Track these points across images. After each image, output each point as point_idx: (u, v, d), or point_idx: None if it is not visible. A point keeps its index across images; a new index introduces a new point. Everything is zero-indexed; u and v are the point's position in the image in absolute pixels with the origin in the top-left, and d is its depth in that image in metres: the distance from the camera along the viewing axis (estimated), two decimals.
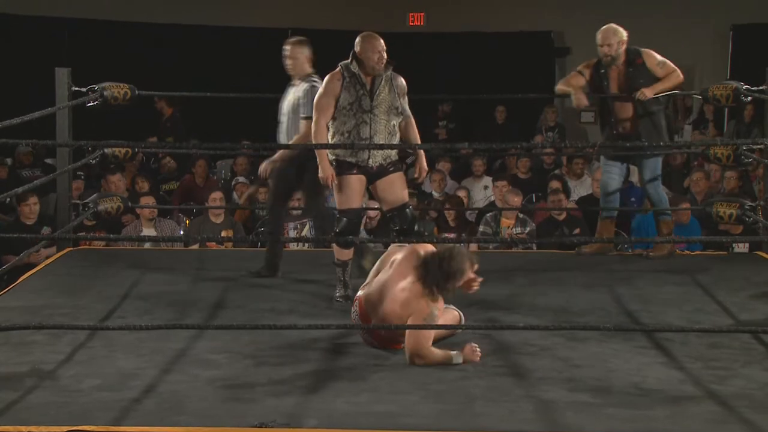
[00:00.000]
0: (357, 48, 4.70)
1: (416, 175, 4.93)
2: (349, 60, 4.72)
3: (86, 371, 3.72)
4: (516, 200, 7.00)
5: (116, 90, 5.53)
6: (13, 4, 11.06)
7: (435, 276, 3.87)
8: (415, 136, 4.80)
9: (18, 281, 5.17)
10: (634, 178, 8.58)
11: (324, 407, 3.39)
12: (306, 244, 6.67)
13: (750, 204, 5.67)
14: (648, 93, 5.59)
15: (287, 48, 5.26)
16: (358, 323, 4.09)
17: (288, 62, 5.23)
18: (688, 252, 6.23)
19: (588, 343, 4.09)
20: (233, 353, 3.97)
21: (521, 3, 11.83)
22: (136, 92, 5.63)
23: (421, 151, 4.94)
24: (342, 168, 4.71)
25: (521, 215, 6.86)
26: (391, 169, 4.74)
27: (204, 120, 10.25)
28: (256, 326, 4.28)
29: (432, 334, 3.87)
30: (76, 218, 5.81)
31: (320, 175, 4.71)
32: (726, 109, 10.29)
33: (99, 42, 11.18)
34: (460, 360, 3.84)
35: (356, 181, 4.72)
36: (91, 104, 5.50)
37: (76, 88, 5.62)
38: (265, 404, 3.41)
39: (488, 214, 6.94)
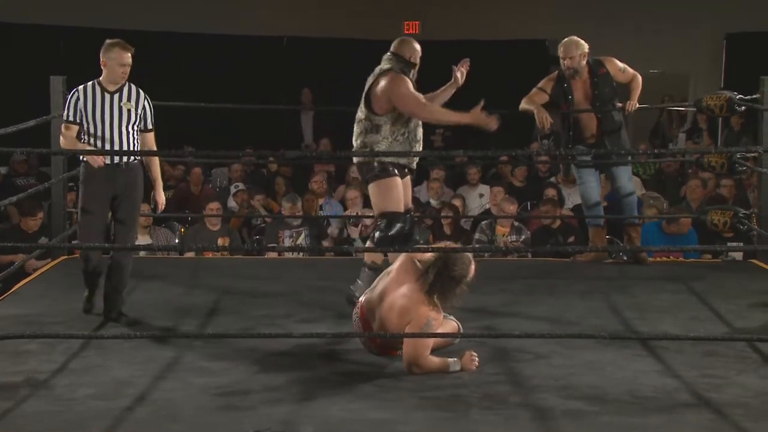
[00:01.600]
0: (409, 54, 4.76)
1: None
2: (405, 64, 4.73)
3: (80, 380, 3.71)
4: (511, 208, 7.00)
5: None
6: (8, 13, 11.07)
7: (438, 281, 3.86)
8: None
9: (12, 290, 5.16)
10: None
11: (319, 414, 3.39)
12: (301, 252, 6.66)
13: (744, 212, 5.69)
14: (635, 104, 5.72)
15: None
16: (359, 327, 4.09)
17: None
18: (683, 260, 6.24)
19: (584, 351, 4.09)
20: (228, 361, 3.96)
21: (516, 11, 11.87)
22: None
23: None
24: (396, 171, 4.65)
25: (516, 223, 6.87)
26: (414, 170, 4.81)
27: (199, 128, 10.26)
28: (251, 335, 4.28)
29: (430, 343, 3.86)
30: (70, 227, 5.80)
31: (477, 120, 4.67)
32: (720, 119, 10.32)
33: (95, 50, 11.18)
34: (458, 368, 3.83)
35: (397, 184, 4.66)
36: None
37: None
38: (260, 412, 3.40)
39: (483, 222, 6.95)
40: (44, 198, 6.69)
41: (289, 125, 11.27)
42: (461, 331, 4.16)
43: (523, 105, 5.86)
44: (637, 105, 5.74)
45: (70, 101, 4.52)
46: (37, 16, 11.32)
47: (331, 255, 6.60)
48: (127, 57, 4.50)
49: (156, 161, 4.74)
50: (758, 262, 5.83)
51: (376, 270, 4.58)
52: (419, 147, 4.70)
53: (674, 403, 3.51)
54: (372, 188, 4.67)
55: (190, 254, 6.63)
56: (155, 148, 4.64)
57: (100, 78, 4.55)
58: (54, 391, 3.60)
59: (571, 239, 6.90)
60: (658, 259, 6.16)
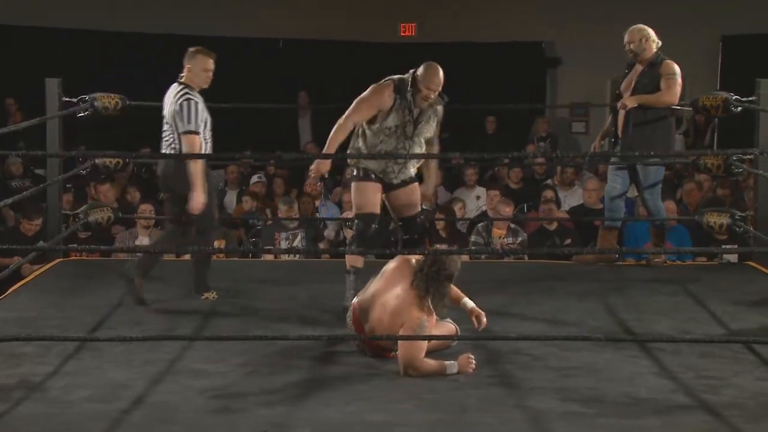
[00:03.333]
0: (419, 75, 4.55)
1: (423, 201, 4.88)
2: (406, 80, 4.57)
3: (76, 382, 3.70)
4: (507, 210, 7.00)
5: (107, 100, 5.52)
6: (4, 15, 11.05)
7: (433, 282, 3.86)
8: (430, 166, 4.85)
9: (7, 292, 5.14)
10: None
11: (316, 416, 3.38)
12: (298, 255, 6.65)
13: (740, 214, 5.69)
14: (629, 102, 5.58)
15: None
16: (352, 330, 4.09)
17: None
18: (679, 262, 6.24)
19: (580, 353, 4.08)
20: (224, 363, 3.95)
21: (512, 13, 11.88)
22: (128, 103, 5.62)
23: (434, 176, 4.94)
24: (363, 175, 4.66)
25: (513, 225, 6.86)
26: (408, 180, 4.72)
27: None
28: (247, 337, 4.27)
29: (425, 344, 3.85)
30: (66, 229, 5.79)
31: (312, 167, 4.73)
32: (717, 120, 10.34)
33: (90, 52, 11.18)
34: (455, 370, 3.83)
35: (373, 188, 4.66)
36: (82, 114, 5.48)
37: (67, 99, 5.61)
38: (256, 414, 3.39)
39: (480, 224, 6.94)
40: (40, 200, 6.67)
41: (287, 128, 11.27)
42: (458, 333, 4.15)
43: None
44: (634, 103, 5.55)
45: (193, 111, 4.62)
46: (33, 19, 11.31)
47: (328, 257, 6.60)
48: (211, 62, 4.75)
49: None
50: (755, 264, 5.83)
51: (358, 273, 4.64)
52: (396, 168, 4.61)
53: (671, 404, 3.51)
54: (351, 191, 4.77)
55: (186, 256, 6.61)
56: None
57: (190, 83, 4.70)
58: (49, 394, 3.59)
59: (568, 241, 6.90)
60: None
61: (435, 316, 3.96)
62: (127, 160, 5.99)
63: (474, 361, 3.86)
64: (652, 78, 5.63)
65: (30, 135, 8.47)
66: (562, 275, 5.64)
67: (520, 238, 6.85)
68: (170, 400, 3.52)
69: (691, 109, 6.09)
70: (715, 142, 11.05)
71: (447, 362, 3.84)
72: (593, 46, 10.73)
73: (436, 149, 4.78)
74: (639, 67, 5.70)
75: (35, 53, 10.93)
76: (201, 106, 4.72)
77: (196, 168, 4.61)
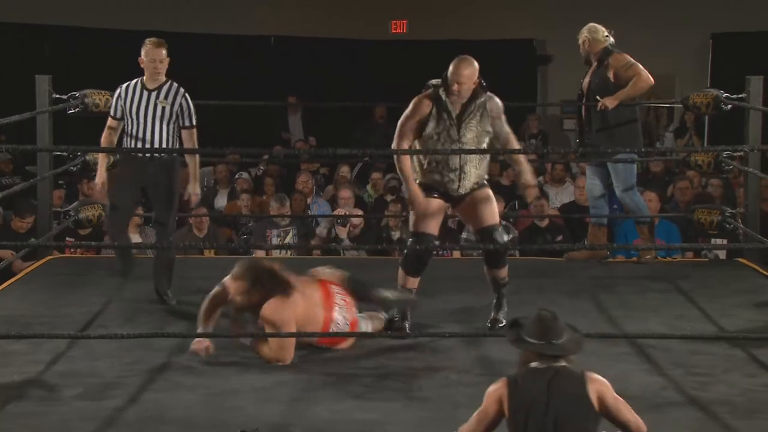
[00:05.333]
0: (449, 72, 4.36)
1: (523, 194, 4.66)
2: (441, 82, 4.39)
3: (67, 380, 3.69)
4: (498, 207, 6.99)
5: (97, 97, 5.50)
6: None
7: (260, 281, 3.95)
8: (517, 159, 4.53)
9: None
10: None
11: (307, 415, 3.39)
12: (289, 252, 6.65)
13: (731, 211, 5.72)
14: (609, 103, 5.54)
15: None
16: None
17: None
18: (669, 258, 6.26)
19: None
20: (216, 361, 3.95)
21: (504, 11, 11.88)
22: None
23: (526, 165, 4.58)
24: (423, 191, 4.36)
25: (504, 222, 6.84)
26: (474, 188, 4.43)
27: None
28: (238, 334, 4.26)
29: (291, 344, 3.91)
30: (57, 226, 5.77)
31: (408, 198, 4.39)
32: (707, 117, 10.36)
33: (80, 49, 11.14)
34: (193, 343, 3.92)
35: (433, 205, 4.38)
36: (72, 111, 5.47)
37: (57, 96, 5.59)
38: (248, 412, 3.39)
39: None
40: (30, 197, 6.65)
41: (277, 127, 11.25)
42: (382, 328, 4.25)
43: None
44: (614, 103, 5.52)
45: (114, 97, 4.78)
46: (23, 15, 11.26)
47: (319, 254, 6.59)
48: (159, 53, 4.66)
49: (194, 157, 4.89)
50: (744, 260, 5.86)
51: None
52: (454, 176, 4.35)
53: (661, 401, 3.53)
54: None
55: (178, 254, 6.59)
56: (196, 146, 4.84)
57: (144, 76, 4.73)
58: (39, 392, 3.58)
59: (559, 238, 6.91)
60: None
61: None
62: (117, 156, 5.96)
63: (206, 353, 3.90)
64: (602, 77, 5.63)
65: (14, 132, 8.44)
66: (552, 273, 5.66)
67: (511, 235, 6.84)
68: (161, 398, 3.52)
69: (681, 105, 6.10)
70: (705, 139, 11.08)
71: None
72: None
73: (513, 145, 4.48)
74: (592, 67, 5.72)
75: (19, 50, 10.88)
76: (121, 95, 4.75)
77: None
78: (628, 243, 6.41)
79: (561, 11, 11.45)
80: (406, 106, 4.44)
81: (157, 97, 4.68)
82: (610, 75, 5.60)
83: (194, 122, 4.79)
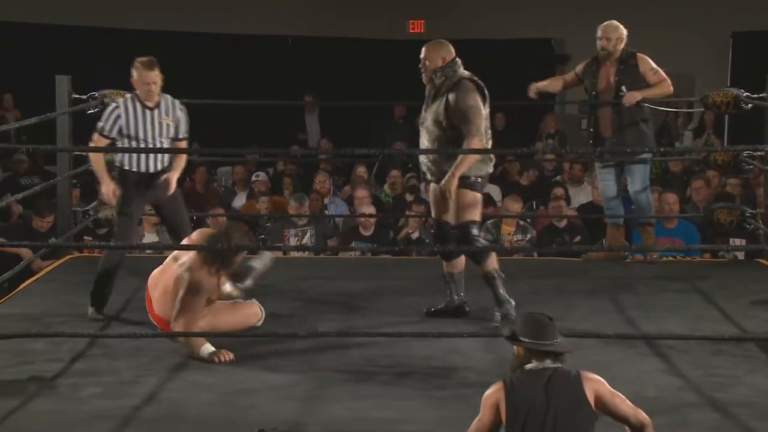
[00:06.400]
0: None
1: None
2: None
3: (86, 379, 3.72)
4: (516, 207, 6.99)
5: (117, 97, 5.53)
6: (15, 13, 11.09)
7: (223, 251, 4.05)
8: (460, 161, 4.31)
9: (18, 288, 5.16)
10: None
11: (324, 413, 3.39)
12: (307, 251, 6.66)
13: (751, 211, 5.67)
14: (636, 95, 5.54)
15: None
16: (148, 311, 4.30)
17: None
18: (689, 259, 6.22)
19: (588, 351, 4.06)
20: (234, 360, 3.96)
21: (522, 10, 11.86)
22: None
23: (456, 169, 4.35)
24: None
25: (521, 222, 6.84)
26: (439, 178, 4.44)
27: (204, 127, 10.27)
28: (256, 334, 4.28)
29: (201, 306, 4.05)
30: (75, 226, 5.81)
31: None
32: (727, 117, 10.29)
33: (100, 49, 11.21)
34: (208, 351, 3.94)
35: (430, 191, 4.61)
36: (92, 111, 5.50)
37: (77, 96, 5.62)
38: (265, 411, 3.40)
39: (489, 221, 6.93)
40: (49, 196, 6.70)
41: (294, 127, 11.28)
42: (263, 314, 4.36)
43: (545, 81, 5.81)
44: (638, 98, 5.52)
45: (110, 116, 4.55)
46: (44, 16, 11.35)
47: (338, 255, 6.60)
48: (152, 75, 4.53)
49: (182, 163, 4.74)
50: (764, 261, 5.81)
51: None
52: (423, 164, 4.50)
53: (680, 402, 3.51)
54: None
55: None
56: (183, 157, 4.73)
57: (136, 92, 4.60)
58: (59, 391, 3.60)
59: (577, 239, 6.88)
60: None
61: (235, 293, 4.30)
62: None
63: (228, 358, 3.94)
64: (633, 75, 5.60)
65: (33, 132, 8.51)
66: (570, 273, 5.64)
67: (529, 236, 6.84)
68: (179, 397, 3.54)
69: (701, 104, 6.05)
70: (725, 139, 11.01)
71: (208, 344, 3.95)
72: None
73: (466, 144, 4.30)
74: (610, 65, 5.65)
75: (32, 49, 10.96)
76: (120, 115, 4.56)
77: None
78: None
79: (579, 11, 11.41)
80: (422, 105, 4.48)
81: (160, 115, 4.58)
82: (641, 75, 5.59)
83: (186, 134, 4.68)
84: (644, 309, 4.80)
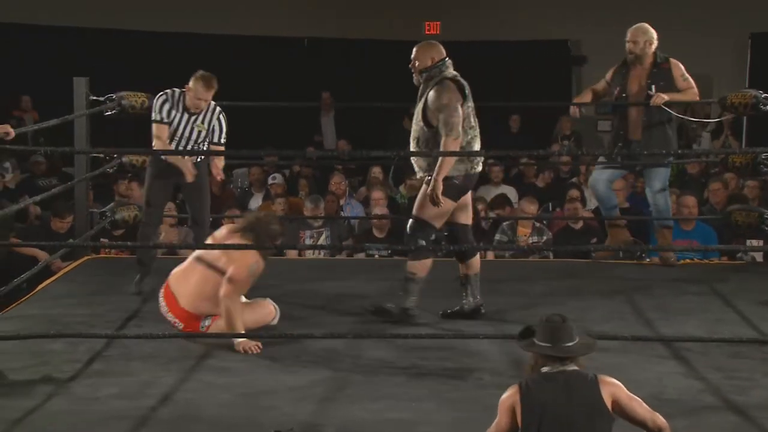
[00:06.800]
0: None
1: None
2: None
3: (103, 380, 3.73)
4: (532, 209, 6.96)
5: (134, 99, 5.56)
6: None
7: (261, 235, 4.19)
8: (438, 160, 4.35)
9: (37, 289, 5.19)
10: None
11: (341, 414, 3.39)
12: (322, 252, 6.66)
13: None
14: (664, 96, 5.52)
15: None
16: (163, 306, 4.30)
17: None
18: (707, 261, 6.18)
19: (606, 353, 4.04)
20: (250, 361, 3.97)
21: (538, 11, 11.83)
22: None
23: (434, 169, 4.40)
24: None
25: (537, 224, 6.82)
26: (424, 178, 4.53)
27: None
28: (272, 335, 4.28)
29: (248, 284, 4.18)
30: (93, 227, 5.83)
31: None
32: (745, 118, 10.23)
33: (118, 51, 11.27)
34: (238, 340, 4.04)
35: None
36: (109, 113, 5.52)
37: (94, 98, 5.65)
38: (282, 412, 3.40)
39: (505, 223, 6.91)
40: (66, 197, 6.73)
41: (310, 129, 11.29)
42: (278, 313, 4.40)
43: (576, 100, 5.84)
44: (665, 99, 5.49)
45: (160, 105, 4.91)
46: (60, 18, 11.42)
47: (353, 256, 6.60)
48: (206, 94, 4.85)
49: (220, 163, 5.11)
50: None
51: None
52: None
53: (699, 405, 3.49)
54: None
55: None
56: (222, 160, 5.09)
57: (185, 92, 4.92)
58: (76, 391, 3.62)
59: (593, 241, 6.85)
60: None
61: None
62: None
63: (257, 349, 4.03)
64: (666, 79, 5.57)
65: (50, 133, 8.57)
66: (587, 274, 5.61)
67: (545, 237, 6.81)
68: (196, 398, 3.54)
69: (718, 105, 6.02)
70: (743, 141, 10.94)
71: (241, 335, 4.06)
72: (619, 44, 10.67)
73: (444, 139, 4.33)
74: (641, 68, 5.62)
75: (49, 52, 11.02)
76: (167, 99, 4.94)
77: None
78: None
79: (596, 12, 11.38)
80: None
81: (195, 120, 4.93)
82: (679, 80, 5.57)
83: (223, 140, 5.01)
84: (662, 311, 4.78)
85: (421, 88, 4.55)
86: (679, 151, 5.62)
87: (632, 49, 5.60)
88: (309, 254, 6.59)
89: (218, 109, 5.01)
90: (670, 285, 5.32)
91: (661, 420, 2.75)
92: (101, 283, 5.32)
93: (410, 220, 4.54)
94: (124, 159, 5.79)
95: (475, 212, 7.34)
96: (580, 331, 2.81)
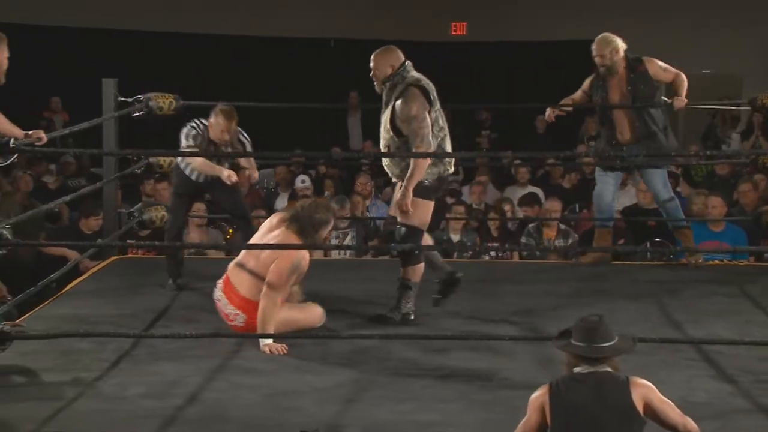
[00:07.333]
0: None
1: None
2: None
3: (131, 379, 3.75)
4: (556, 210, 6.93)
5: (162, 100, 5.59)
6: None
7: (304, 225, 4.18)
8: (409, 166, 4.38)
9: (66, 289, 5.23)
10: (680, 188, 8.44)
11: (367, 416, 3.38)
12: (348, 253, 6.67)
13: None
14: (684, 100, 5.54)
15: None
16: (222, 300, 4.30)
17: None
18: (736, 262, 6.12)
19: (635, 355, 3.99)
20: (276, 361, 3.98)
21: (564, 12, 11.77)
22: (181, 102, 5.68)
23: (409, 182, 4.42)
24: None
25: (563, 227, 6.78)
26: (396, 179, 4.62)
27: (248, 130, 10.35)
28: (298, 335, 4.29)
29: (289, 281, 4.14)
30: (121, 227, 5.87)
31: None
32: None
33: (145, 52, 11.35)
34: (266, 342, 4.06)
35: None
36: (137, 114, 5.56)
37: (123, 99, 5.69)
38: (307, 413, 3.40)
39: (531, 225, 6.88)
40: (95, 198, 6.79)
41: (336, 128, 11.31)
42: (325, 317, 4.37)
43: (561, 103, 5.82)
44: (686, 101, 5.56)
45: (190, 133, 5.05)
46: (90, 21, 11.52)
47: (378, 256, 6.59)
48: (228, 125, 5.01)
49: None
50: None
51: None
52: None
53: (729, 408, 3.45)
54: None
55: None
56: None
57: (208, 125, 5.06)
58: (105, 390, 3.64)
59: (621, 241, 6.80)
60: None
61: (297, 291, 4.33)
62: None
63: (283, 351, 4.04)
64: (645, 81, 5.55)
65: (79, 133, 8.65)
66: (614, 276, 5.57)
67: (570, 240, 6.78)
68: (223, 398, 3.55)
69: (748, 107, 5.96)
70: None
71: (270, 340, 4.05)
72: (647, 44, 10.60)
73: (416, 146, 4.34)
74: (617, 77, 5.60)
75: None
76: (199, 134, 5.09)
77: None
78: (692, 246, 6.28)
79: (623, 12, 11.29)
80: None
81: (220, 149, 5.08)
82: (653, 78, 5.56)
83: (249, 148, 5.23)
84: (691, 313, 4.73)
85: (385, 96, 4.56)
86: (708, 152, 5.55)
87: (601, 63, 5.61)
88: (335, 254, 6.60)
89: (242, 133, 5.16)
90: (699, 287, 5.27)
91: (692, 425, 2.72)
92: (129, 282, 5.35)
93: (398, 228, 4.53)
94: (152, 160, 5.83)
95: (502, 213, 7.36)
96: (618, 332, 2.79)
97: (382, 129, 4.56)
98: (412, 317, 4.56)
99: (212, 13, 11.88)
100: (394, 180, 4.64)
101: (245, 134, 5.20)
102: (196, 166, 5.07)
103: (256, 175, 5.42)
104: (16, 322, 3.96)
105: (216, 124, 5.00)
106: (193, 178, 5.16)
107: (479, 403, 3.50)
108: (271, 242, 4.28)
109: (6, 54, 3.83)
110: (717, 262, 6.05)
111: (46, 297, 5.00)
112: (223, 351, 4.07)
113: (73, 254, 6.02)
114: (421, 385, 3.70)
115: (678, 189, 8.65)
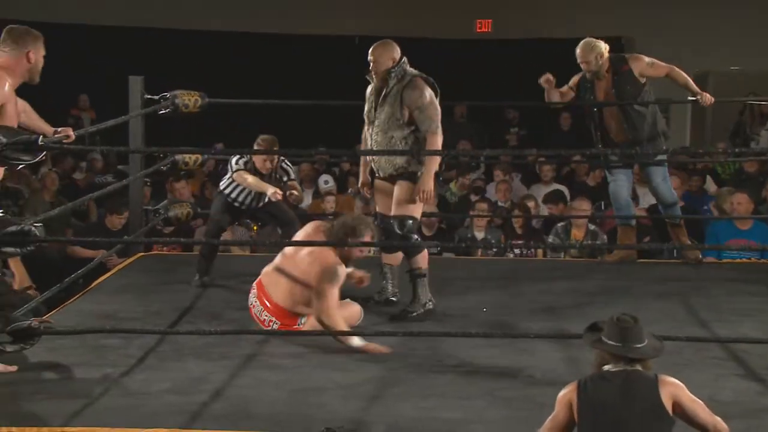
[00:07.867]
0: None
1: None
2: None
3: (156, 375, 3.78)
4: (585, 209, 6.88)
5: (187, 98, 5.62)
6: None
7: (340, 238, 4.12)
8: (425, 158, 4.45)
9: (92, 285, 5.28)
10: (712, 187, 8.37)
11: (391, 412, 3.38)
12: (372, 250, 6.66)
13: None
14: (710, 97, 5.52)
15: None
16: (257, 306, 4.26)
17: None
18: (764, 261, 6.05)
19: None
20: (300, 358, 3.99)
21: (591, 9, 11.69)
22: (206, 100, 5.71)
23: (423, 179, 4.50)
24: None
25: (592, 227, 6.73)
26: (398, 177, 4.57)
27: (273, 127, 10.37)
28: (323, 332, 4.29)
29: (337, 291, 4.08)
30: (147, 224, 5.92)
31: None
32: None
33: (171, 50, 11.41)
34: (360, 344, 3.98)
35: (374, 188, 4.77)
36: (164, 112, 5.60)
37: (149, 96, 5.73)
38: (332, 409, 3.41)
39: (558, 225, 6.83)
40: (121, 195, 6.84)
41: (360, 126, 11.30)
42: (362, 315, 4.35)
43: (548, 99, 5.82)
44: (712, 98, 5.50)
45: (240, 160, 5.21)
46: (115, 18, 11.60)
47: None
48: (272, 156, 5.20)
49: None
50: None
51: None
52: (371, 160, 4.72)
53: (758, 407, 3.41)
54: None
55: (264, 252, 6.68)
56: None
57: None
58: (130, 386, 3.67)
59: (647, 239, 6.75)
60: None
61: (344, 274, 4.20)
62: (206, 156, 6.12)
63: (387, 350, 3.97)
64: (630, 81, 5.56)
65: (106, 130, 8.71)
66: (640, 274, 5.53)
67: (599, 241, 6.73)
68: (247, 394, 3.57)
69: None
70: None
71: (356, 337, 3.99)
72: (674, 41, 10.51)
73: (428, 138, 4.45)
74: (604, 80, 5.61)
75: (104, 51, 11.19)
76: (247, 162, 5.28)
77: None
78: (719, 244, 6.23)
79: (651, 9, 11.19)
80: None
81: (267, 181, 5.21)
82: (638, 77, 5.57)
83: (293, 177, 5.39)
84: (718, 311, 4.69)
85: (386, 88, 4.55)
86: (737, 150, 5.51)
87: (587, 68, 5.60)
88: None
89: (284, 161, 5.31)
90: (725, 285, 5.23)
91: (722, 425, 2.70)
92: (154, 279, 5.39)
93: (396, 221, 4.54)
94: (177, 157, 5.86)
95: (526, 210, 7.33)
96: (649, 333, 2.77)
97: (383, 121, 4.54)
98: (431, 306, 4.57)
99: (241, 12, 11.94)
100: (390, 172, 4.58)
101: (288, 162, 5.33)
102: (248, 183, 5.17)
103: (302, 197, 5.56)
104: (44, 318, 4.00)
105: (263, 157, 5.15)
106: (236, 204, 5.28)
107: (503, 400, 3.50)
108: (306, 253, 4.21)
109: (42, 53, 3.85)
110: (744, 260, 6.00)
111: (73, 293, 5.05)
112: (248, 348, 4.08)
113: (96, 254, 6.07)
114: (445, 382, 3.69)
115: (705, 186, 8.59)
